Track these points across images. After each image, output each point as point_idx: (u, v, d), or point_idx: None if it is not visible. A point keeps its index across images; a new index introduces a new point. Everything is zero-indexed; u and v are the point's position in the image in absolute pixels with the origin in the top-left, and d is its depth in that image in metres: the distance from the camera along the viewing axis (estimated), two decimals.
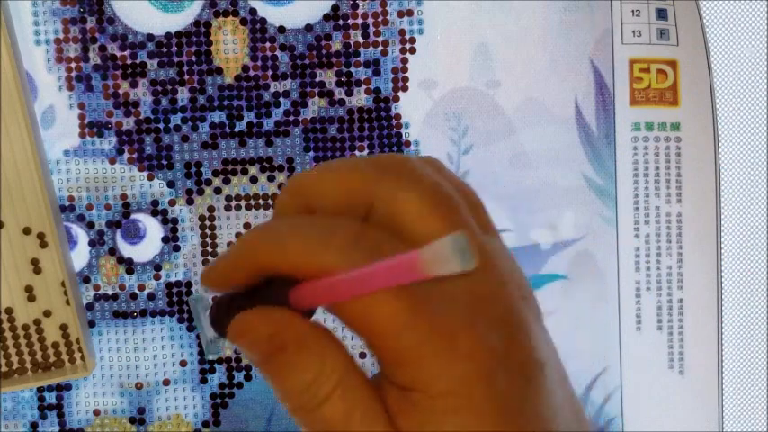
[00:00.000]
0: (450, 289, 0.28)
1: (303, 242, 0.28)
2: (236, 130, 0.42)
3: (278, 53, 0.42)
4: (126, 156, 0.42)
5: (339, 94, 0.42)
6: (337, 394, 0.28)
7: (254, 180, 0.42)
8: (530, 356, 0.28)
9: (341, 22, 0.42)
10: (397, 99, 0.42)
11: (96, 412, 0.42)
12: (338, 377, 0.28)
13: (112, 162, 0.42)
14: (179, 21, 0.41)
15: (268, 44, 0.42)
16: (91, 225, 0.42)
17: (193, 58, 0.42)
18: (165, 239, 0.42)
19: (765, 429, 0.45)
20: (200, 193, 0.42)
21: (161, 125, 0.42)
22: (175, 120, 0.42)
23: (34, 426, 0.42)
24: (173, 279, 0.42)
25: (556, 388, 0.29)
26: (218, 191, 0.42)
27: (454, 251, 0.25)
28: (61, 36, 0.41)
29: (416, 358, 0.27)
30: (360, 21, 0.42)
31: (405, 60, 0.42)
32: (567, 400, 0.29)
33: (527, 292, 0.30)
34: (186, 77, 0.42)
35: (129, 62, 0.41)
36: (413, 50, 0.42)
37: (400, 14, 0.42)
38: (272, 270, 0.28)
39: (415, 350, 0.27)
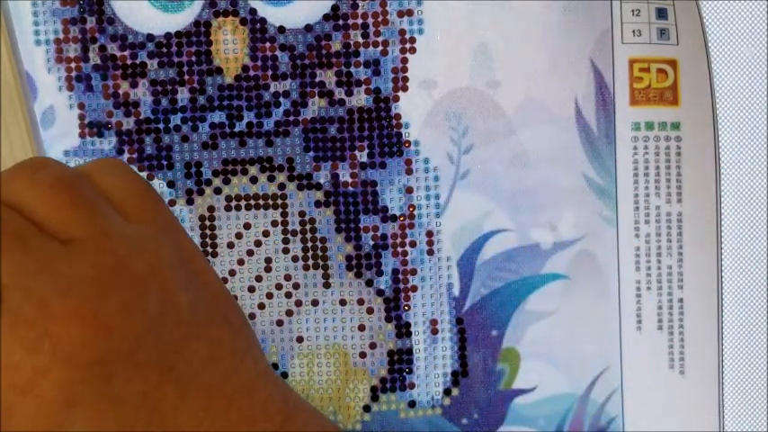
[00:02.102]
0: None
1: None
2: (236, 130, 0.42)
3: (278, 53, 0.42)
4: (126, 156, 0.42)
5: (339, 94, 0.42)
6: None
7: (254, 180, 0.42)
8: (73, 376, 0.28)
9: (341, 22, 0.42)
10: (397, 99, 0.42)
11: None
12: None
13: None
14: (179, 21, 0.41)
15: (268, 44, 0.42)
16: None
17: (193, 58, 0.42)
18: None
19: (766, 429, 0.45)
20: (201, 193, 0.42)
21: (161, 125, 0.42)
22: (175, 120, 0.42)
23: None
24: None
25: (139, 397, 0.29)
26: (218, 191, 0.42)
27: None
28: (61, 36, 0.41)
29: None
30: (360, 21, 0.42)
31: (405, 60, 0.42)
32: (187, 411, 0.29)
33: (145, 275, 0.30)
34: (186, 77, 0.42)
35: (129, 62, 0.41)
36: (413, 50, 0.42)
37: (400, 14, 0.42)
38: None
39: None
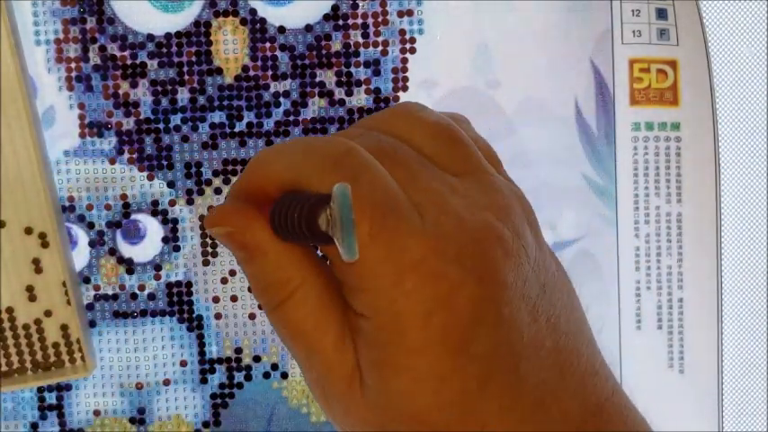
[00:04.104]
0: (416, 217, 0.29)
1: (287, 165, 0.31)
2: (236, 130, 0.42)
3: (278, 53, 0.42)
4: (126, 156, 0.42)
5: (339, 94, 0.42)
6: (295, 299, 0.30)
7: None
8: (484, 294, 0.29)
9: (341, 22, 0.42)
10: (397, 99, 0.42)
11: (96, 413, 0.42)
12: (297, 284, 0.30)
13: (112, 162, 0.42)
14: (179, 21, 0.41)
15: (268, 44, 0.42)
16: (91, 225, 0.42)
17: (193, 58, 0.42)
18: (165, 240, 0.42)
19: (765, 429, 0.45)
20: (201, 193, 0.42)
21: (161, 125, 0.42)
22: (175, 120, 0.42)
23: (34, 426, 0.42)
24: (173, 279, 0.42)
25: (524, 329, 0.30)
26: (218, 191, 0.42)
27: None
28: (61, 36, 0.41)
29: (370, 287, 0.29)
30: (360, 21, 0.42)
31: (405, 60, 0.42)
32: (551, 349, 0.30)
33: (522, 231, 0.31)
34: (186, 77, 0.42)
35: (129, 62, 0.41)
36: (413, 50, 0.42)
37: (400, 14, 0.42)
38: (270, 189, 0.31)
39: (370, 279, 0.29)
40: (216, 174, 0.42)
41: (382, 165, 0.30)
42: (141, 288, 0.42)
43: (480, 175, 0.32)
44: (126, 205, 0.42)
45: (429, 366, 0.29)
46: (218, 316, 0.43)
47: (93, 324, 0.42)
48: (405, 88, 0.42)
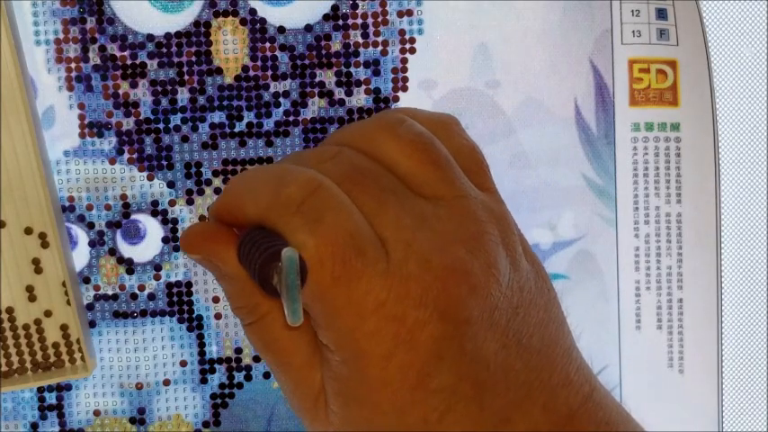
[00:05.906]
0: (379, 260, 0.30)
1: (254, 201, 0.31)
2: (236, 130, 0.42)
3: (278, 53, 0.42)
4: (126, 156, 0.42)
5: (339, 94, 0.42)
6: (265, 322, 0.32)
7: None
8: (446, 332, 0.29)
9: (341, 22, 0.42)
10: (397, 99, 0.42)
11: (96, 413, 0.42)
12: (266, 311, 0.32)
13: (112, 162, 0.42)
14: (179, 21, 0.41)
15: (268, 44, 0.42)
16: (91, 225, 0.42)
17: (193, 59, 0.42)
18: (165, 240, 0.42)
19: (765, 429, 0.45)
20: (201, 193, 0.42)
21: (161, 125, 0.42)
22: (175, 120, 0.42)
23: (34, 426, 0.42)
24: (173, 279, 0.42)
25: (491, 359, 0.30)
26: (218, 191, 0.42)
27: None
28: (61, 36, 0.41)
29: (332, 326, 0.29)
30: (360, 21, 0.42)
31: (405, 60, 0.42)
32: (521, 370, 0.30)
33: (494, 252, 0.31)
34: (186, 77, 0.42)
35: (129, 62, 0.41)
36: (413, 50, 0.42)
37: (400, 14, 0.42)
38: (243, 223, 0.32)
39: (332, 319, 0.29)
40: (216, 174, 0.42)
41: (351, 194, 0.30)
42: (141, 288, 0.42)
43: (454, 201, 0.31)
44: (126, 205, 0.42)
45: (389, 400, 0.29)
46: (218, 316, 0.43)
47: (93, 324, 0.42)
48: (404, 88, 0.42)
